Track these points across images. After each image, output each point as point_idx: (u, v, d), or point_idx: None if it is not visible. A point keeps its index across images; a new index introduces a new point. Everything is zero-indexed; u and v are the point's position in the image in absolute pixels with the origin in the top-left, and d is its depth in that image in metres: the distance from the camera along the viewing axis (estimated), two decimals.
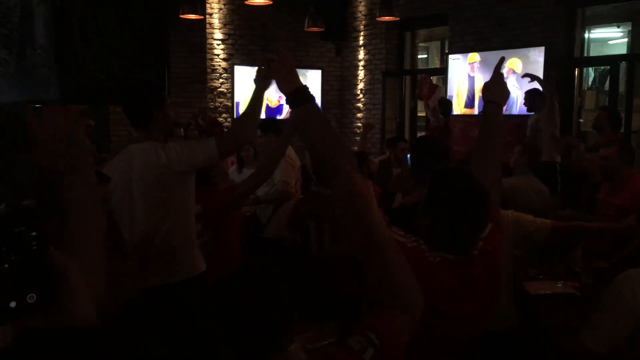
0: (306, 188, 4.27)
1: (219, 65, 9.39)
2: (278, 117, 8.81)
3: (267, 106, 8.91)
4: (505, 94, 2.21)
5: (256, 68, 2.83)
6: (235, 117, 9.27)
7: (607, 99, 7.34)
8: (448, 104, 7.51)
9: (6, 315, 0.86)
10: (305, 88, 1.80)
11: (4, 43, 4.41)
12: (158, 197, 2.72)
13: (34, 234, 0.90)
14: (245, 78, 9.09)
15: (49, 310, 0.89)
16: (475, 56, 7.89)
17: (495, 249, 1.83)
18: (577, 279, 3.37)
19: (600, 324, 2.11)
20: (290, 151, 4.83)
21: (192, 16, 8.03)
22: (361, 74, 9.77)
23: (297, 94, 1.79)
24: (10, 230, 0.89)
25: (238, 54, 9.48)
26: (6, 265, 0.87)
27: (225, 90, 9.44)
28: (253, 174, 3.52)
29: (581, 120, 7.64)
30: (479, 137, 2.17)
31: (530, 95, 6.27)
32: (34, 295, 0.88)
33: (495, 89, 2.19)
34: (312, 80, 9.67)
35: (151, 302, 2.69)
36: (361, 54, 9.73)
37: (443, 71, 8.70)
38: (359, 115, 9.88)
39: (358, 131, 9.60)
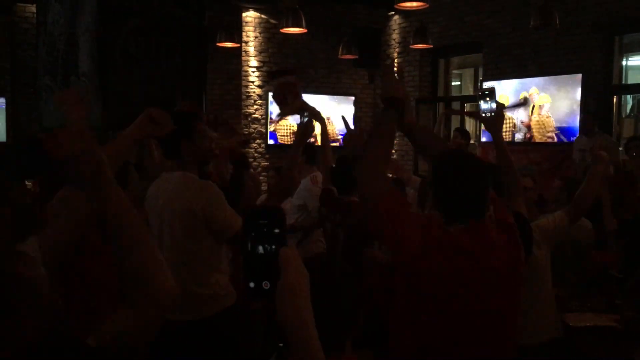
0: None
1: (254, 92, 9.52)
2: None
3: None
4: (400, 87, 2.13)
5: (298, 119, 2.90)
6: (267, 142, 9.37)
7: None
8: (465, 133, 7.37)
9: (260, 293, 1.03)
10: (400, 100, 2.07)
11: (48, 70, 4.55)
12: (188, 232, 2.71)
13: (277, 230, 1.04)
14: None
15: None
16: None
17: (504, 220, 1.99)
18: (619, 312, 3.28)
19: None
20: (321, 177, 4.85)
21: (228, 44, 8.19)
22: None
23: (390, 101, 2.06)
24: (256, 222, 1.04)
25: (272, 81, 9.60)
26: (265, 248, 1.03)
27: (260, 117, 9.55)
28: (267, 197, 3.51)
29: (620, 149, 7.49)
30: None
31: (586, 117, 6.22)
32: (268, 283, 1.03)
33: (389, 85, 2.13)
34: (345, 107, 9.72)
35: (179, 338, 2.62)
36: None
37: (477, 98, 8.65)
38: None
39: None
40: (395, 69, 2.13)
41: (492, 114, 2.73)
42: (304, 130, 2.89)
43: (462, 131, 7.22)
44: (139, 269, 1.29)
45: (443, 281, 1.84)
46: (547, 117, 7.49)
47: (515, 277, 1.97)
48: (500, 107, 2.73)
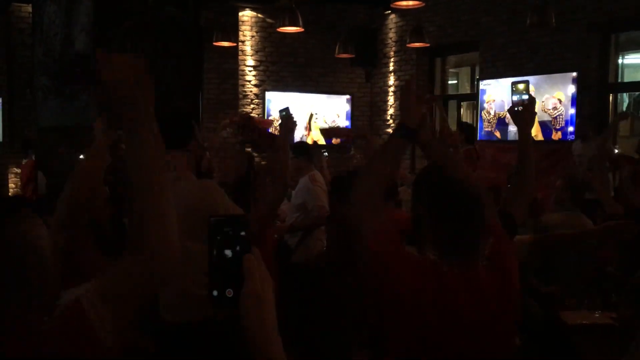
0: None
1: (251, 91, 9.52)
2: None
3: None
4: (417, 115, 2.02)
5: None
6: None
7: None
8: (470, 129, 7.34)
9: (224, 302, 1.00)
10: (413, 131, 1.97)
11: (44, 71, 4.54)
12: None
13: (242, 233, 1.02)
14: (276, 104, 9.21)
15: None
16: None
17: (501, 257, 1.92)
18: (615, 310, 3.29)
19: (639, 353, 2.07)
20: (320, 176, 4.85)
21: (225, 44, 8.18)
22: (391, 99, 9.79)
23: (401, 127, 1.96)
24: (220, 230, 1.01)
25: (269, 80, 9.60)
26: (230, 255, 1.01)
27: (256, 116, 9.54)
28: (269, 194, 3.51)
29: (616, 147, 7.51)
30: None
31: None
32: (232, 291, 1.01)
33: (404, 110, 2.04)
34: (341, 106, 9.74)
35: (180, 340, 2.58)
36: (391, 80, 9.76)
37: (474, 97, 8.67)
38: None
39: None
40: (412, 86, 2.01)
41: (521, 107, 2.47)
42: (285, 127, 2.93)
43: (464, 126, 7.17)
44: (146, 212, 1.29)
45: (431, 325, 1.80)
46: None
47: (503, 327, 1.90)
48: (532, 101, 2.54)
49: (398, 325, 1.84)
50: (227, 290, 1.01)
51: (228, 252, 1.01)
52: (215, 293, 1.01)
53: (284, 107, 3.25)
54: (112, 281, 1.28)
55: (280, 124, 2.99)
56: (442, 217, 1.88)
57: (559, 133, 7.38)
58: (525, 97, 2.59)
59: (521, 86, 2.64)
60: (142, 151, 1.29)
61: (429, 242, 1.91)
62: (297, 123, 3.17)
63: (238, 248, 1.01)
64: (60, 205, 2.23)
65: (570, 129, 7.25)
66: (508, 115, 2.59)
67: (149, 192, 1.30)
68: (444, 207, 1.89)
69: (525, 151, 2.37)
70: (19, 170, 8.50)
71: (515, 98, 2.62)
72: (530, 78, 7.57)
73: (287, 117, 3.00)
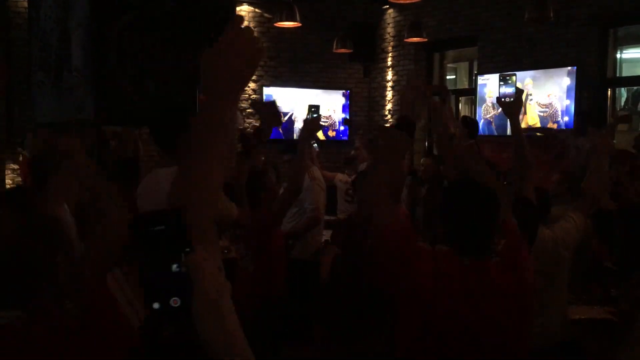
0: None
1: (248, 87, 9.49)
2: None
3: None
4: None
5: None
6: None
7: None
8: (474, 124, 7.30)
9: (170, 314, 0.84)
10: (409, 121, 2.04)
11: (41, 66, 4.51)
12: None
13: (177, 236, 0.86)
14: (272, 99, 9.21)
15: None
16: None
17: (513, 254, 1.95)
18: (614, 304, 3.29)
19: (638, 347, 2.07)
20: (319, 173, 4.84)
21: None
22: (389, 94, 9.78)
23: (400, 121, 2.04)
24: (150, 230, 0.84)
25: (267, 76, 9.57)
26: (162, 264, 0.84)
27: (254, 112, 9.52)
28: (283, 192, 3.54)
29: (615, 142, 7.50)
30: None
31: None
32: (178, 299, 0.85)
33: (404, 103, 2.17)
34: (340, 101, 9.73)
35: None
36: (389, 75, 9.74)
37: (472, 92, 8.65)
38: None
39: None
40: (417, 85, 2.10)
41: (511, 98, 2.78)
42: (311, 125, 2.94)
43: (466, 121, 7.15)
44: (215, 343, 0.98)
45: (446, 317, 1.82)
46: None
47: (517, 321, 1.91)
48: (519, 92, 2.76)
49: (414, 316, 1.85)
50: (173, 300, 0.84)
51: (165, 256, 0.85)
52: (156, 306, 0.84)
53: (316, 104, 3.17)
54: None
55: (305, 122, 2.98)
56: (455, 214, 1.93)
57: (555, 125, 7.37)
58: (512, 89, 2.82)
59: (509, 79, 2.84)
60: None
61: (441, 237, 1.94)
62: (322, 127, 3.16)
63: (175, 249, 0.85)
64: None
65: (566, 118, 7.25)
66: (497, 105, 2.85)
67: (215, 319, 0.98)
68: (457, 204, 1.93)
69: (519, 138, 2.59)
70: (16, 167, 8.48)
71: (503, 90, 2.84)
72: (529, 73, 7.57)
73: (315, 118, 2.98)
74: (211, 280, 0.87)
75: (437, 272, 1.84)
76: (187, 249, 0.86)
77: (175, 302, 0.84)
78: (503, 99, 2.78)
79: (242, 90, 1.21)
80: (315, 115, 3.07)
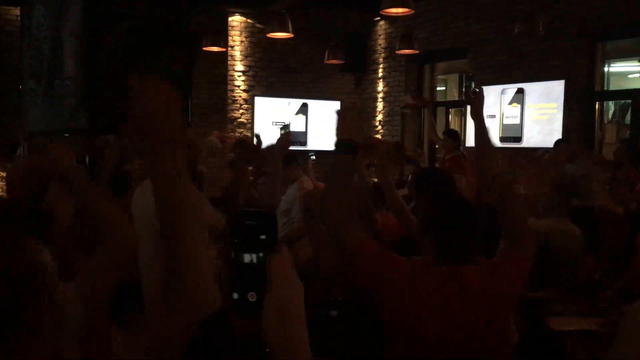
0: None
1: (240, 97, 9.50)
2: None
3: None
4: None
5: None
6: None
7: (628, 132, 7.26)
8: (457, 135, 7.27)
9: (245, 307, 0.89)
10: (353, 143, 2.08)
11: (32, 74, 4.50)
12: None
13: (264, 236, 0.91)
14: (264, 109, 9.23)
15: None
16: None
17: (493, 262, 2.00)
18: (603, 316, 3.31)
19: (622, 355, 2.10)
20: (309, 184, 4.85)
21: (214, 48, 8.17)
22: (380, 105, 9.82)
23: (343, 144, 2.07)
24: (243, 224, 0.91)
25: (259, 86, 9.60)
26: (248, 258, 0.90)
27: (245, 121, 9.54)
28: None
29: (603, 154, 7.57)
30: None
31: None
32: (255, 295, 0.90)
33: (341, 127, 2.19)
34: (330, 112, 9.74)
35: None
36: (380, 86, 9.79)
37: (462, 104, 8.70)
38: None
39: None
40: (351, 109, 2.17)
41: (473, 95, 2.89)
42: (283, 142, 2.96)
43: (450, 133, 7.21)
44: (176, 260, 1.09)
45: (427, 321, 1.86)
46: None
47: (496, 328, 1.94)
48: (480, 88, 2.84)
49: (397, 327, 1.87)
50: (250, 294, 0.90)
51: (251, 252, 0.90)
52: (235, 296, 0.90)
53: (286, 123, 3.25)
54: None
55: (277, 140, 3.00)
56: (437, 222, 1.97)
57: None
58: (473, 88, 2.99)
59: (471, 81, 3.35)
60: (171, 188, 1.07)
61: (427, 244, 1.96)
62: (292, 141, 3.20)
63: (261, 247, 0.91)
64: None
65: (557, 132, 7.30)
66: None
67: (179, 234, 1.08)
68: (440, 213, 1.98)
69: (482, 133, 2.65)
70: (4, 174, 8.41)
71: (466, 89, 3.10)
72: (519, 85, 7.64)
73: (286, 134, 3.02)
74: (285, 282, 0.89)
75: (414, 284, 1.87)
76: (274, 247, 0.92)
77: (252, 296, 0.89)
78: (472, 96, 2.92)
79: (175, 144, 1.10)
80: (284, 132, 3.11)
